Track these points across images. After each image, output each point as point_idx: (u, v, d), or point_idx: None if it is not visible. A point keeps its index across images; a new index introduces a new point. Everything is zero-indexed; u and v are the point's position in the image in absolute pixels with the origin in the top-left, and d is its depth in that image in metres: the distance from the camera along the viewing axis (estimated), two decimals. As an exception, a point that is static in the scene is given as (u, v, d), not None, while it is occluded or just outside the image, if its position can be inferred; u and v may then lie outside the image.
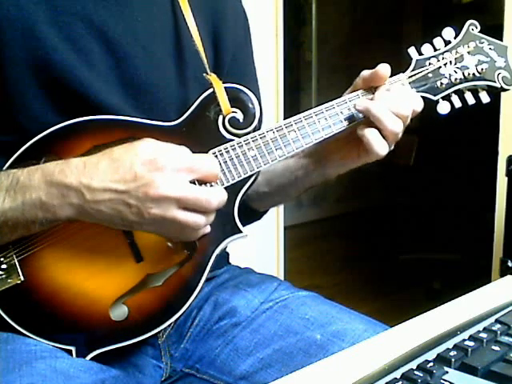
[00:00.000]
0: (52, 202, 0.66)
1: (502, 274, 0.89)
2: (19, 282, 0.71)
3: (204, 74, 0.78)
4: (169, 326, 0.78)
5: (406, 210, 3.41)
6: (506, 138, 1.41)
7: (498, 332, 0.56)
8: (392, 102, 0.74)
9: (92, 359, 0.73)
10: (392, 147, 0.77)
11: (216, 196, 0.68)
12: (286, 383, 0.54)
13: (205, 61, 0.79)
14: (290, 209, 2.82)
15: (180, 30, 0.82)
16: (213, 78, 0.77)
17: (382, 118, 0.74)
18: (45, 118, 0.73)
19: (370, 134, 0.74)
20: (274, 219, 2.03)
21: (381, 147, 0.75)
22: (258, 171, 0.75)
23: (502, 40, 0.83)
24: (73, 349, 0.72)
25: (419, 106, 0.77)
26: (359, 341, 0.75)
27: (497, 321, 0.59)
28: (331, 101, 0.78)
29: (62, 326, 0.73)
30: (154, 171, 0.65)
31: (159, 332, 0.77)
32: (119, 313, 0.73)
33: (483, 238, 1.53)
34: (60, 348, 0.72)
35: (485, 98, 0.82)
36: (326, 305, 0.85)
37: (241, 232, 0.75)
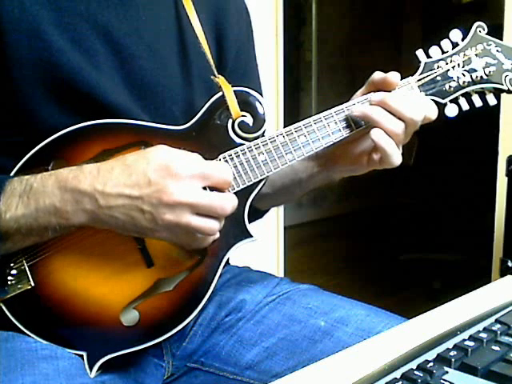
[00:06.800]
0: (66, 208, 0.66)
1: (502, 274, 0.89)
2: (29, 287, 0.70)
3: (212, 77, 0.77)
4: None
5: (406, 210, 3.41)
6: (506, 138, 1.41)
7: (498, 332, 0.56)
8: (392, 104, 0.74)
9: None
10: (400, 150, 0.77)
11: (230, 201, 0.68)
12: (286, 383, 0.55)
13: (211, 63, 0.79)
14: (289, 209, 2.82)
15: (184, 28, 0.82)
16: (221, 80, 0.76)
17: (376, 119, 0.74)
18: (54, 119, 0.73)
19: (386, 144, 0.74)
20: (274, 219, 2.03)
21: (397, 157, 0.75)
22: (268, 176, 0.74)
23: (502, 40, 0.83)
24: (84, 354, 0.72)
25: (433, 113, 0.77)
26: (363, 325, 0.77)
27: (497, 321, 0.59)
28: (339, 105, 0.77)
29: (73, 331, 0.72)
30: (167, 177, 0.64)
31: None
32: (130, 318, 0.72)
33: (483, 238, 1.54)
34: (72, 353, 0.72)
35: (492, 100, 0.81)
36: (327, 295, 0.87)
37: (251, 236, 0.75)
